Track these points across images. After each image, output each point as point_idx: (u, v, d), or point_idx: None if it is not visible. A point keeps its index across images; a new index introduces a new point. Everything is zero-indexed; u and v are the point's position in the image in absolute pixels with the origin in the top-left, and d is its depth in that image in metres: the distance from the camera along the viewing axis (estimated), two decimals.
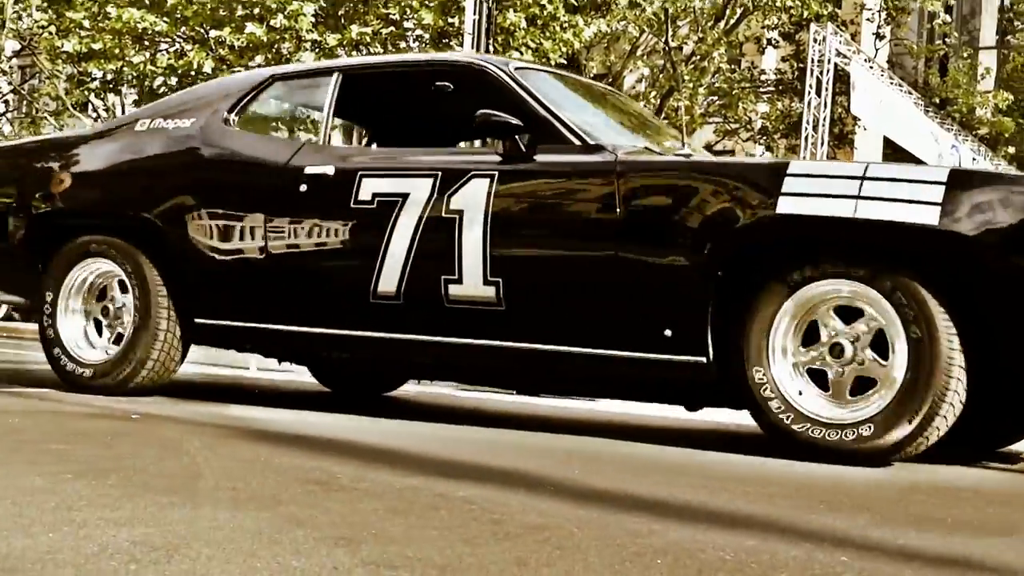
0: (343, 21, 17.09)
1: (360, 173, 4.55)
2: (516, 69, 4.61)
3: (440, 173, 4.35)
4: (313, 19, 16.54)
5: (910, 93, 21.37)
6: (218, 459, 3.12)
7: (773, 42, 22.93)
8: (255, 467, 2.99)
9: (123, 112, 21.84)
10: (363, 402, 5.50)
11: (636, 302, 3.99)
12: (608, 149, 4.20)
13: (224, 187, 4.90)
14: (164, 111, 5.26)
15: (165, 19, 17.15)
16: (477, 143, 6.59)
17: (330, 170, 4.61)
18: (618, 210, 4.01)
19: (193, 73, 17.23)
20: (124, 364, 4.89)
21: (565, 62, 18.77)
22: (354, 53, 17.18)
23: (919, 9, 23.61)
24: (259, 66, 17.22)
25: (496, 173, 4.25)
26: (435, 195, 4.31)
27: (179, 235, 4.87)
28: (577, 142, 4.25)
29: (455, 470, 3.17)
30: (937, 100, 25.22)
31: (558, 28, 17.00)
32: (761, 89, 23.00)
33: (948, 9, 25.38)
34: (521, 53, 16.63)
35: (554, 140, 4.30)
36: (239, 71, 16.93)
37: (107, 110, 21.86)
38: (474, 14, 15.44)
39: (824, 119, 18.04)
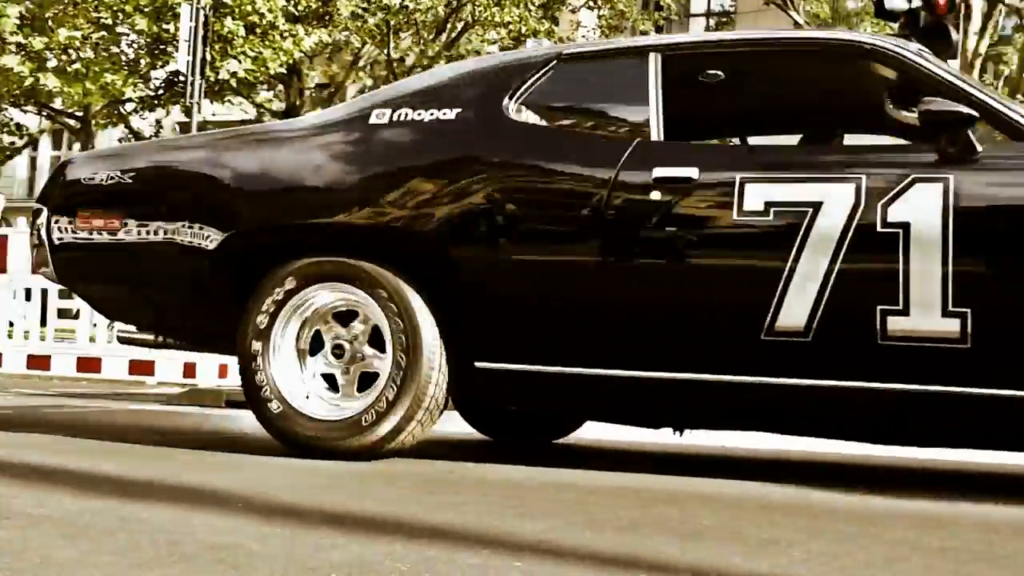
0: (51, 24, 16.38)
1: (741, 177, 3.73)
2: (919, 51, 3.89)
3: (864, 177, 3.60)
4: (18, 21, 15.78)
5: None
6: None
7: None
8: None
9: None
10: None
11: None
12: None
13: (528, 194, 4.00)
14: (406, 100, 4.24)
15: None
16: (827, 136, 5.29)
17: (693, 173, 3.78)
18: None
19: None
20: (380, 421, 3.88)
21: (285, 72, 18.58)
22: (63, 57, 16.52)
23: (631, 28, 24.67)
24: None
25: (950, 176, 3.52)
26: (862, 204, 3.56)
27: (461, 256, 3.95)
28: None
29: (144, 490, 3.08)
30: None
31: (278, 37, 16.83)
32: None
33: (659, 29, 26.61)
34: (240, 61, 16.37)
35: (1008, 135, 3.66)
36: None
37: None
38: (190, 20, 15.10)
39: None
